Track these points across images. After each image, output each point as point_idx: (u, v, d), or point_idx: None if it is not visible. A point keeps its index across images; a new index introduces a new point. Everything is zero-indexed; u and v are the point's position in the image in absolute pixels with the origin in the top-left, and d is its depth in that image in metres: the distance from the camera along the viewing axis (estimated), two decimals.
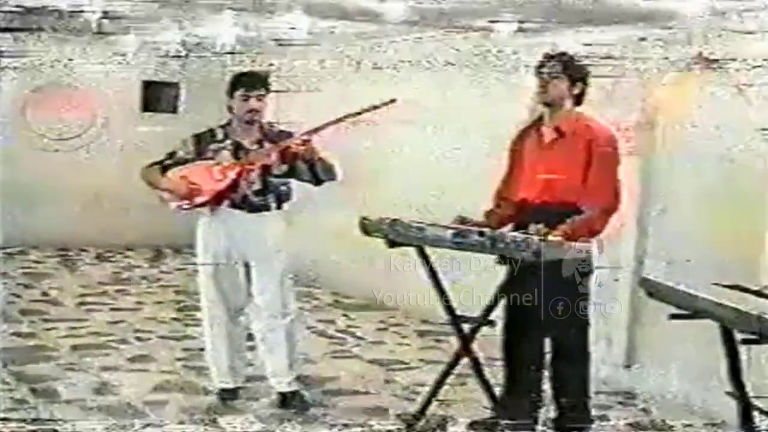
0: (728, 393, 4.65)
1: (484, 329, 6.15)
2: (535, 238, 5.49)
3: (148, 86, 12.85)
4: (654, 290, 4.84)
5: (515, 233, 5.63)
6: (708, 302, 4.43)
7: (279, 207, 6.67)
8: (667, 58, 7.02)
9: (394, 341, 8.78)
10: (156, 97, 12.86)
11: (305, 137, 6.40)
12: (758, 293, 4.59)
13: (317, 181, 6.63)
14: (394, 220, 6.12)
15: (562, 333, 6.07)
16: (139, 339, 8.52)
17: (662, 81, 7.09)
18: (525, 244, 5.47)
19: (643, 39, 7.15)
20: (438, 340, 8.66)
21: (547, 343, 6.18)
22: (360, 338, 8.80)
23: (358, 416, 6.65)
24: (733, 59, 6.57)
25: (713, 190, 6.74)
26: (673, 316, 4.65)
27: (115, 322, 9.09)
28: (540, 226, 5.65)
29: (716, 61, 6.70)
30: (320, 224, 9.38)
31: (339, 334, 8.89)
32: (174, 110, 12.71)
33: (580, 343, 6.10)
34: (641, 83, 7.14)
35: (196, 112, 11.73)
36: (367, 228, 6.27)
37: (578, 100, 6.09)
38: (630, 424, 6.72)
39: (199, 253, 6.82)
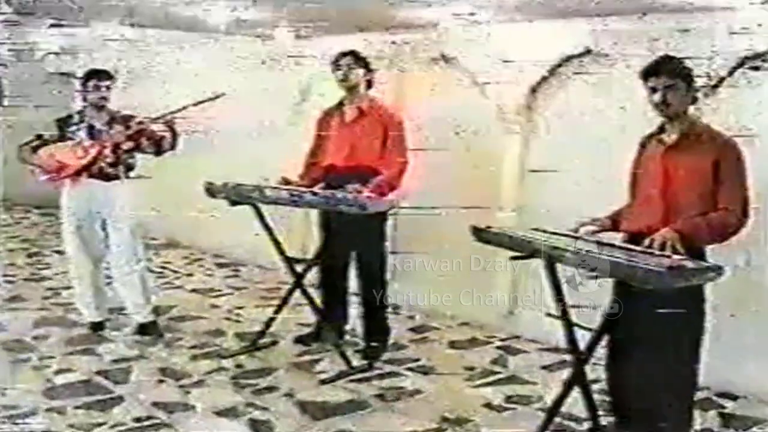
0: (549, 315, 3.94)
1: None
2: (364, 195, 4.68)
3: None
4: (485, 236, 4.07)
5: (344, 193, 4.75)
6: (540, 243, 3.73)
7: (127, 176, 5.59)
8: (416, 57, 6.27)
9: (202, 273, 7.67)
10: None
11: (161, 121, 5.39)
12: (555, 233, 3.95)
13: (158, 153, 5.56)
14: (237, 183, 5.14)
15: (367, 266, 5.31)
16: (9, 282, 7.05)
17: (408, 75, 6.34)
18: (354, 200, 4.64)
19: (393, 42, 6.35)
20: (235, 270, 7.69)
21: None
22: (175, 272, 7.63)
23: (204, 338, 5.64)
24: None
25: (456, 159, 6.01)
26: (514, 258, 3.89)
27: None
28: (356, 185, 4.85)
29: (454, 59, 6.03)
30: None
31: (158, 269, 7.60)
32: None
33: (381, 274, 5.34)
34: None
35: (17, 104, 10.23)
36: (212, 191, 5.25)
37: (369, 84, 5.29)
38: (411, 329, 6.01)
39: (64, 215, 5.68)
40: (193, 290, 6.97)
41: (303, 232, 6.69)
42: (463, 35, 5.78)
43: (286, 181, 5.17)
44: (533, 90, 5.60)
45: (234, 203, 5.15)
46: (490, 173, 5.86)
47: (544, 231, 3.97)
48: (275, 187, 4.99)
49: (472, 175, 5.92)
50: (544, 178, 5.61)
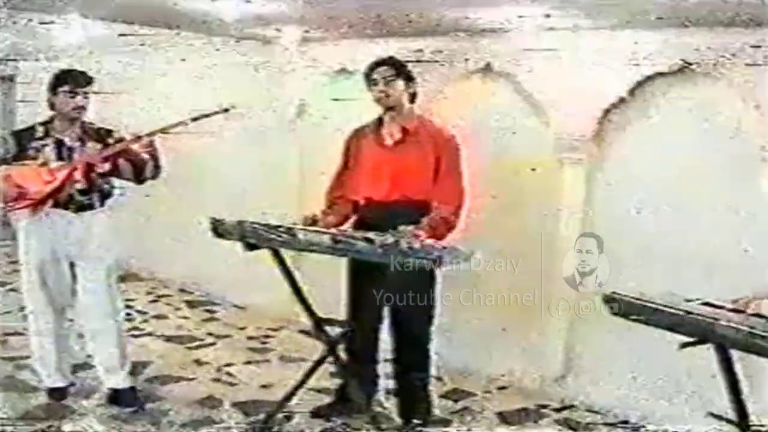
0: (713, 415, 2.89)
1: None
2: (437, 245, 3.54)
3: None
4: (624, 308, 2.96)
5: (407, 239, 3.57)
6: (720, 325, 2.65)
7: (102, 205, 4.37)
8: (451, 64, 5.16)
9: (172, 314, 6.39)
10: None
11: (149, 139, 4.17)
12: (716, 306, 2.89)
13: (139, 180, 4.36)
14: (254, 223, 3.94)
15: (408, 324, 4.20)
16: None
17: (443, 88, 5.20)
18: (425, 252, 3.48)
19: (419, 51, 5.22)
20: (210, 311, 6.45)
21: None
22: (142, 312, 6.31)
23: (197, 409, 4.42)
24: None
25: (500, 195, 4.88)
26: (684, 345, 2.80)
27: None
28: (410, 228, 3.73)
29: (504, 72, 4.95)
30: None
31: None
32: None
33: (426, 334, 4.25)
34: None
35: None
36: (220, 230, 4.03)
37: (413, 99, 4.19)
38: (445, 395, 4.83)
39: (21, 254, 4.40)
40: (168, 339, 5.70)
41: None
42: (520, 43, 4.70)
43: (314, 220, 4.03)
44: (606, 113, 4.56)
45: (251, 247, 3.96)
46: (543, 213, 4.79)
47: (700, 302, 2.91)
48: (313, 230, 3.79)
49: (520, 214, 4.85)
50: (615, 228, 4.57)
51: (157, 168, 4.33)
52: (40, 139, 4.28)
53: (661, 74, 4.33)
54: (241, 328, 5.98)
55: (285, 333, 5.84)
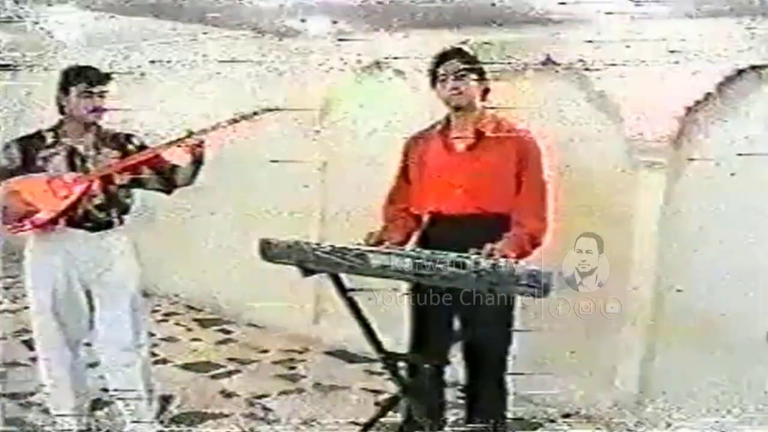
0: None
1: None
2: (542, 269, 2.93)
3: None
4: None
5: (517, 265, 2.91)
6: None
7: (121, 222, 3.77)
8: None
9: (184, 336, 5.74)
10: None
11: (195, 142, 3.59)
12: None
13: (168, 189, 3.82)
14: (314, 244, 3.31)
15: (482, 351, 3.62)
16: None
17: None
18: (529, 278, 2.87)
19: (463, 43, 4.62)
20: (226, 331, 5.83)
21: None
22: (151, 334, 5.56)
23: None
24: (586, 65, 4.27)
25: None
26: None
27: None
28: (497, 246, 3.14)
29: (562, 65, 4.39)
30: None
31: None
32: None
33: (502, 362, 3.66)
34: None
35: None
36: (268, 253, 3.41)
37: (484, 96, 3.59)
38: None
39: (29, 280, 3.76)
40: (186, 366, 5.07)
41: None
42: (586, 34, 4.14)
43: (379, 240, 3.42)
44: (689, 111, 4.01)
45: (308, 272, 3.34)
46: (615, 223, 4.23)
47: None
48: (386, 253, 3.15)
49: (589, 225, 4.24)
50: (697, 240, 4.05)
51: (194, 173, 3.74)
52: (50, 147, 3.67)
53: (755, 68, 3.80)
54: (264, 351, 5.37)
55: (312, 355, 5.28)
